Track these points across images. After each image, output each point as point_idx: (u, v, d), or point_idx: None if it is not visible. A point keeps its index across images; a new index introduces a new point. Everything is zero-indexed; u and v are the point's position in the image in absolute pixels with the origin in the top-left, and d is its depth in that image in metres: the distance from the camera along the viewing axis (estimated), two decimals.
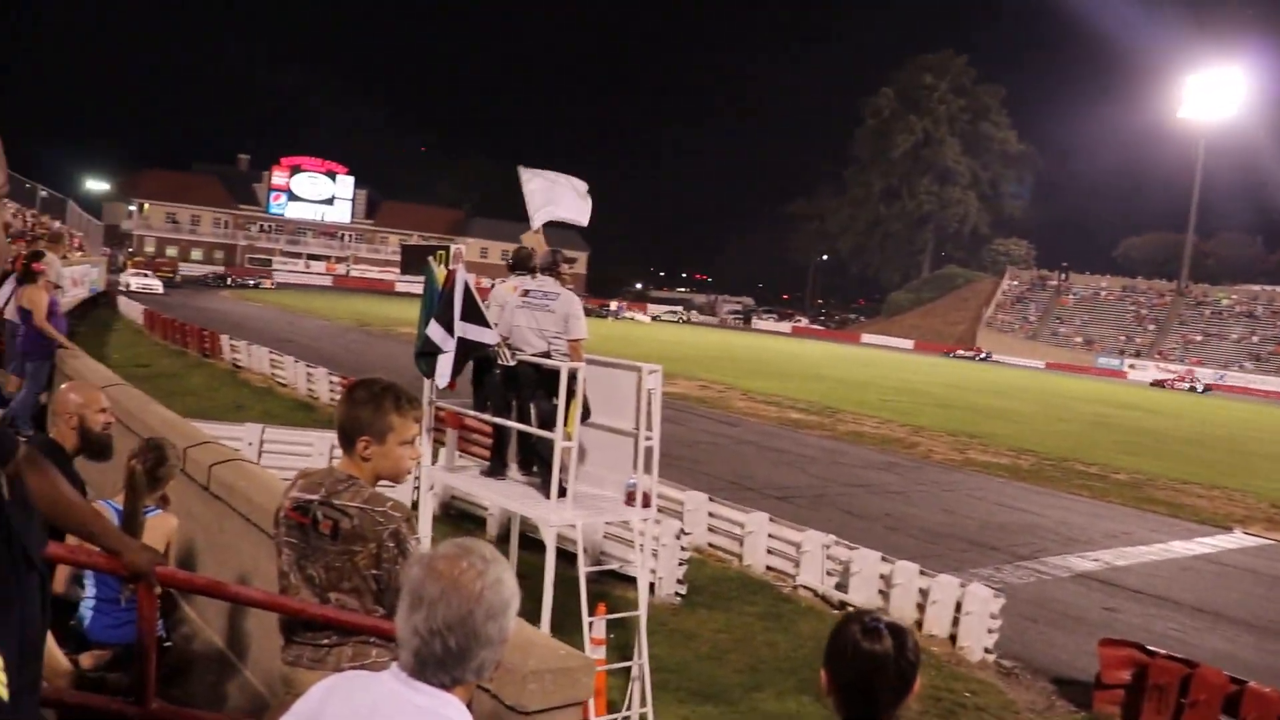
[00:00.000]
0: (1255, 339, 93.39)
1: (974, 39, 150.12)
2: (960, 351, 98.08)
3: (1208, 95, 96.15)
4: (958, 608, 10.63)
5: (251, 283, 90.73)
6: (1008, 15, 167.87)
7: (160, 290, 60.44)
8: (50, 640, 3.25)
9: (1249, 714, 8.19)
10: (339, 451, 3.35)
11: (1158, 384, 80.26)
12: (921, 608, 10.97)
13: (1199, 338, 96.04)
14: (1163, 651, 9.06)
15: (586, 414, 7.35)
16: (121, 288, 53.10)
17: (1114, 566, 15.24)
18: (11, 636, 1.09)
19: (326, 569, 3.18)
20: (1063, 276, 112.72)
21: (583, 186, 8.47)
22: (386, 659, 3.16)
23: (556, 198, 8.31)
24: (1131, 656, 9.14)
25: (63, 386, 4.81)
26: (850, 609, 2.26)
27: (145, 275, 64.17)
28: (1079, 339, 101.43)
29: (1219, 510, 21.29)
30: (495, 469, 8.06)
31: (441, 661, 1.87)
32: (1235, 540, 18.46)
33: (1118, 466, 26.19)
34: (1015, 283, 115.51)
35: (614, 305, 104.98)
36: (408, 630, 1.89)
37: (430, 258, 7.39)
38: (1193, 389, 77.95)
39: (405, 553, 3.14)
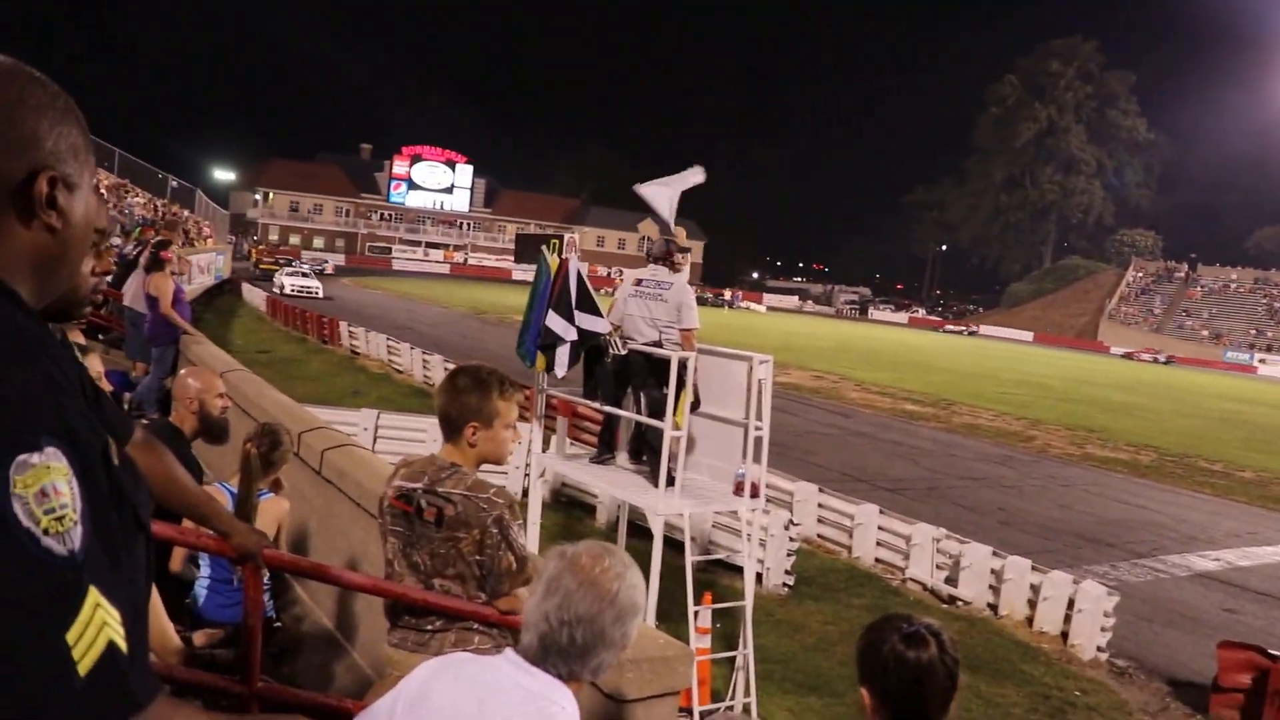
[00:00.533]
0: None
1: (1103, 25, 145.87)
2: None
3: None
4: (1070, 605, 10.40)
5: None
6: (1138, 1, 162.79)
7: (320, 294, 48.57)
8: (164, 617, 3.37)
9: None
10: (446, 457, 3.37)
11: None
12: (1033, 604, 10.76)
13: None
14: None
15: (696, 403, 7.35)
16: (275, 289, 45.51)
17: (1236, 567, 14.75)
18: (123, 592, 1.13)
19: (431, 555, 3.23)
20: (1191, 268, 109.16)
21: (692, 179, 8.37)
22: (489, 645, 3.21)
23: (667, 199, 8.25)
24: (1252, 660, 8.83)
25: (182, 372, 4.95)
26: (890, 615, 2.17)
27: (302, 273, 52.14)
28: (1206, 332, 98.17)
29: None
30: (601, 455, 8.11)
31: (565, 651, 1.91)
32: None
33: (1243, 464, 25.33)
34: (1140, 274, 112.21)
35: (729, 295, 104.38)
36: (538, 615, 1.93)
37: (543, 246, 7.44)
38: None
39: (509, 539, 3.17)
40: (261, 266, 64.70)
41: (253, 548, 3.01)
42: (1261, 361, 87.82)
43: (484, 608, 3.20)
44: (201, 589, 4.36)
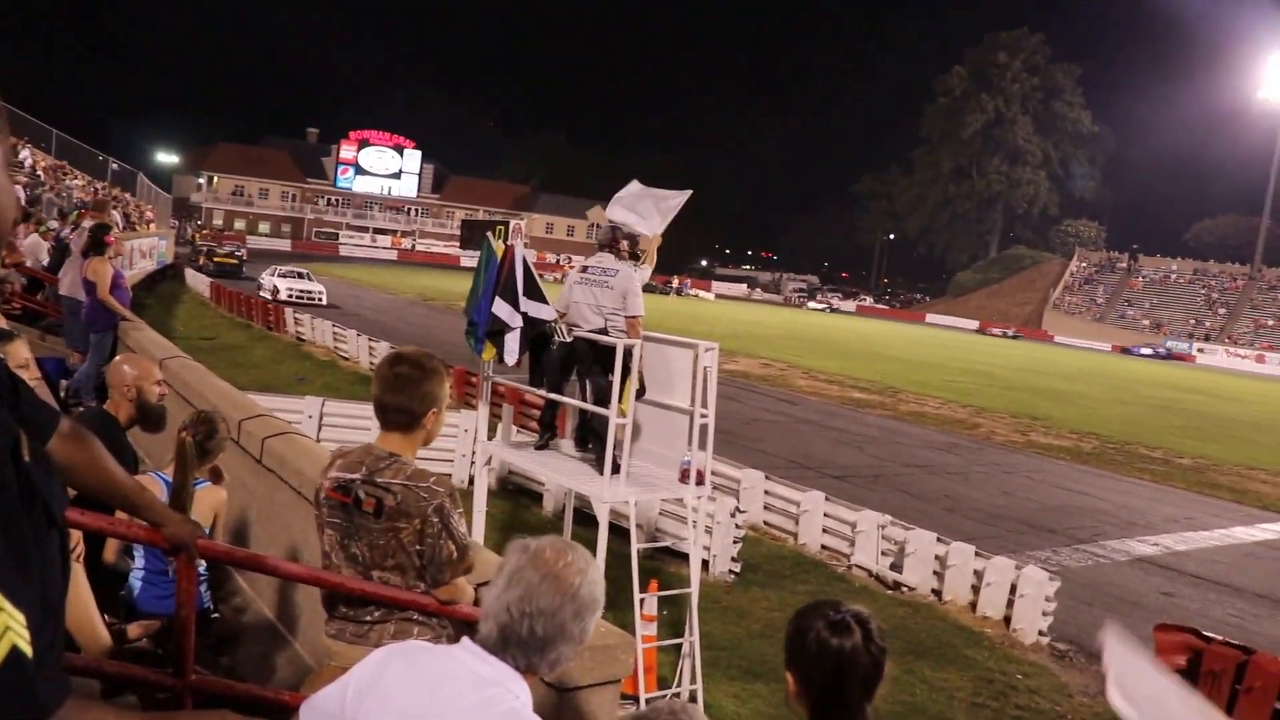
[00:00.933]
0: None
1: (1049, 17, 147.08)
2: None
3: None
4: (1013, 589, 10.53)
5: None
6: None
7: (323, 300, 39.42)
8: (94, 611, 3.29)
9: None
10: (384, 448, 3.32)
11: None
12: (976, 589, 10.89)
13: (1271, 322, 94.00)
14: (1219, 637, 8.91)
15: (642, 391, 7.34)
16: (264, 294, 37.70)
17: (1174, 551, 15.02)
18: (33, 594, 1.09)
19: (370, 547, 3.20)
20: (1133, 259, 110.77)
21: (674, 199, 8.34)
22: (429, 636, 3.18)
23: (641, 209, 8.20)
24: (1187, 642, 8.98)
25: (116, 359, 4.87)
26: (812, 604, 2.17)
27: (298, 274, 42.38)
28: (1147, 322, 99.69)
29: None
30: (543, 440, 8.09)
31: (525, 643, 1.92)
32: None
33: (1182, 451, 25.77)
34: (1084, 264, 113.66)
35: (676, 282, 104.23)
36: (499, 606, 1.94)
37: (489, 233, 7.39)
38: None
39: (449, 528, 3.14)
40: (217, 260, 52.49)
41: (185, 538, 2.95)
42: (1200, 350, 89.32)
43: (423, 597, 3.17)
44: (136, 580, 4.28)
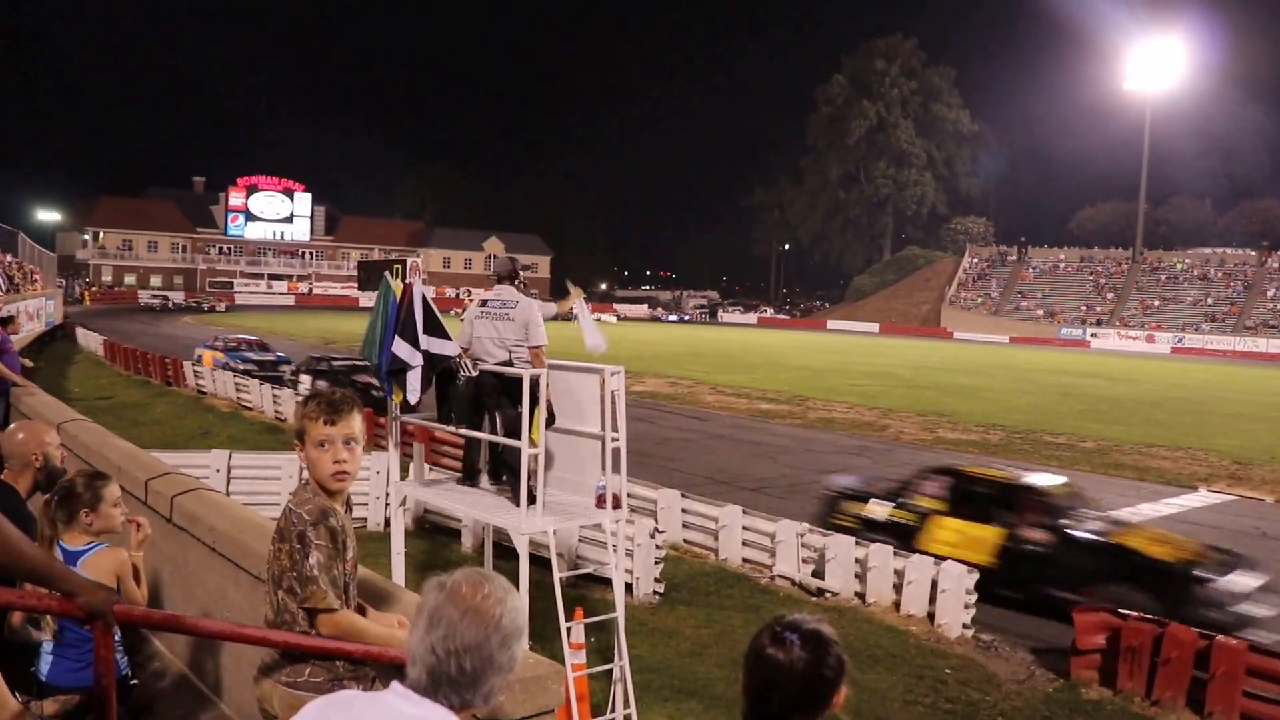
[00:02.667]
0: (1210, 300, 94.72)
1: (921, 22, 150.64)
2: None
3: (1151, 65, 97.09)
4: (934, 586, 10.70)
5: (202, 305, 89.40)
6: None
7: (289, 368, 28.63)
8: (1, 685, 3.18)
9: (1218, 667, 8.38)
10: (306, 474, 3.40)
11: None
12: (899, 588, 11.04)
13: (1157, 303, 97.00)
14: (1134, 614, 9.17)
15: (551, 419, 7.34)
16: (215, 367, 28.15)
17: None
18: None
19: (272, 567, 3.31)
20: (1022, 251, 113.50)
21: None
22: (322, 677, 3.20)
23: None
24: (1105, 621, 9.26)
25: (11, 428, 4.73)
26: (774, 618, 2.22)
27: (259, 349, 30.80)
28: (1041, 312, 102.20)
29: (1184, 471, 21.57)
30: (468, 478, 8.04)
31: (455, 681, 1.91)
32: (1200, 499, 18.72)
33: (1084, 434, 26.42)
34: (975, 260, 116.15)
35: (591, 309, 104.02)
36: (423, 648, 1.92)
37: (386, 272, 7.35)
38: None
39: (307, 554, 3.16)
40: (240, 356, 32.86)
41: (100, 605, 2.88)
42: (1093, 335, 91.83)
43: (305, 638, 3.19)
44: (46, 654, 4.12)
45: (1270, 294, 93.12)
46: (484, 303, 7.76)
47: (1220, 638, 8.52)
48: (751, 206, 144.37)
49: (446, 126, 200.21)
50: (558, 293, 8.80)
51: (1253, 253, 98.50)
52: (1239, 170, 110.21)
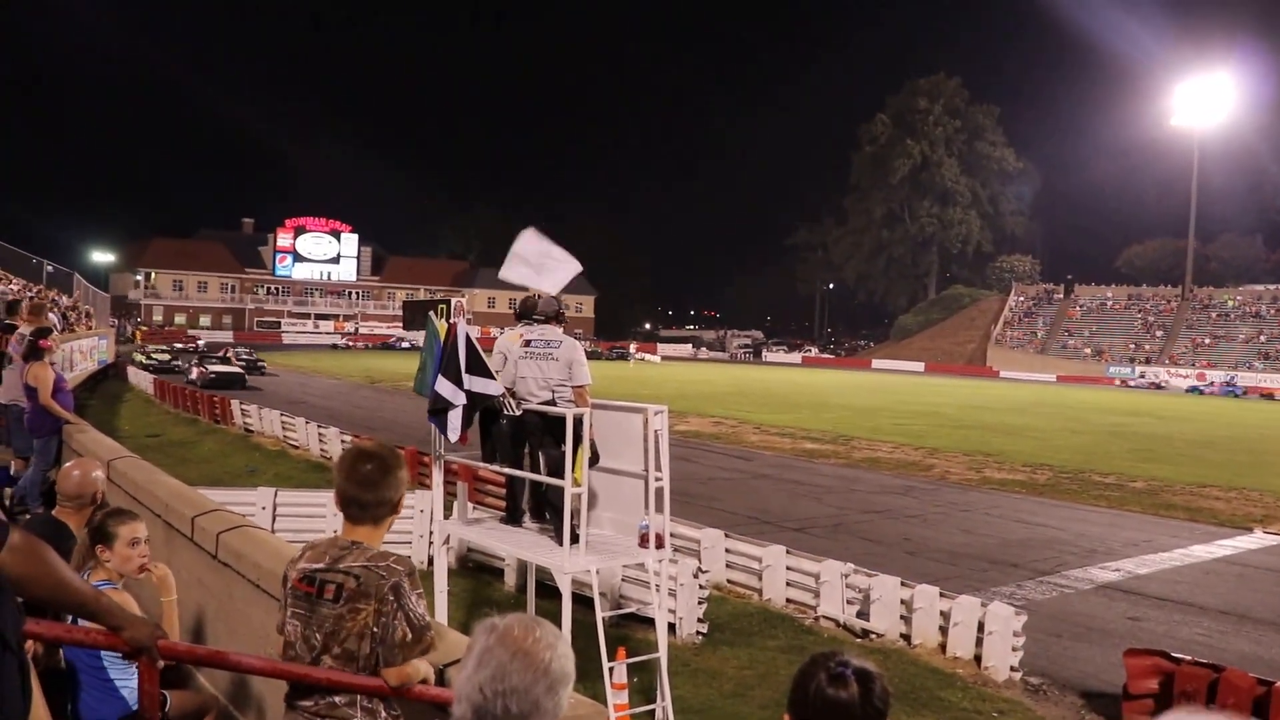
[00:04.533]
0: (1263, 338, 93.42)
1: (965, 60, 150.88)
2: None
3: (1199, 101, 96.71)
4: (980, 628, 10.54)
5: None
6: (997, 35, 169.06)
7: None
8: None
9: (1278, 714, 8.14)
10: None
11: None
12: (944, 630, 10.89)
13: (1207, 340, 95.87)
14: (1188, 658, 8.98)
15: (595, 459, 7.35)
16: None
17: (1136, 575, 15.13)
18: None
19: (326, 634, 3.18)
20: (1069, 289, 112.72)
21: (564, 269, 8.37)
22: None
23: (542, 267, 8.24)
24: (1157, 665, 9.06)
25: (66, 466, 4.80)
26: (818, 652, 2.21)
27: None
28: (1088, 350, 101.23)
29: (1238, 511, 21.18)
30: (512, 518, 8.06)
31: None
32: (1256, 541, 18.36)
33: (1134, 474, 26.06)
34: (1021, 298, 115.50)
35: (633, 349, 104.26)
36: (470, 687, 1.95)
37: (431, 312, 7.41)
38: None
39: (404, 607, 3.13)
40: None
41: (146, 640, 2.92)
42: (1142, 375, 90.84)
43: (373, 680, 3.15)
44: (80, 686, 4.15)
45: None
46: (528, 342, 7.79)
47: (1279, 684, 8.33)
48: (795, 246, 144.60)
49: (493, 167, 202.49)
50: (601, 332, 8.83)
51: None
52: None
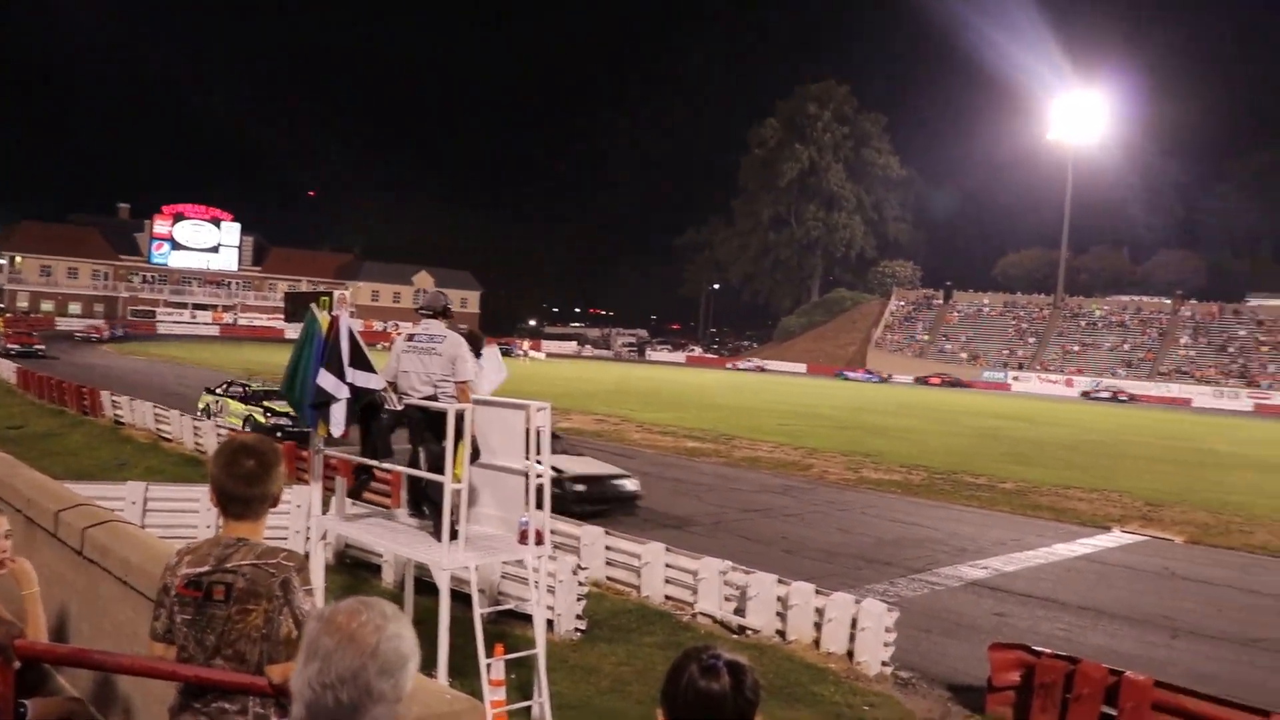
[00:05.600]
0: (1127, 346, 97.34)
1: (854, 68, 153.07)
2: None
3: (1073, 117, 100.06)
4: (854, 624, 10.78)
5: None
6: (885, 45, 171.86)
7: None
8: None
9: (1127, 702, 8.56)
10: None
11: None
12: (819, 626, 11.10)
13: (1076, 348, 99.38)
14: (1048, 651, 9.35)
15: (476, 455, 7.33)
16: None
17: (1003, 573, 15.64)
18: None
19: (218, 636, 3.11)
20: (947, 295, 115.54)
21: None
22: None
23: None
24: (1019, 658, 9.44)
25: None
26: (691, 646, 2.21)
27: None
28: (965, 355, 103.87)
29: (1098, 511, 22.01)
30: (415, 511, 8.05)
31: (334, 716, 1.83)
32: (1113, 539, 19.11)
33: (1004, 476, 26.85)
34: (902, 303, 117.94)
35: (526, 345, 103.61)
36: (301, 683, 1.85)
37: (313, 304, 7.31)
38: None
39: (291, 604, 3.08)
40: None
41: (1, 639, 2.83)
42: (1015, 379, 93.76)
43: (257, 678, 3.10)
44: None
45: (1183, 341, 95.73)
46: (411, 337, 7.74)
47: (1129, 674, 8.71)
48: (683, 246, 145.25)
49: (378, 160, 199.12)
50: (487, 328, 8.83)
51: (1167, 301, 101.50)
52: (1155, 221, 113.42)
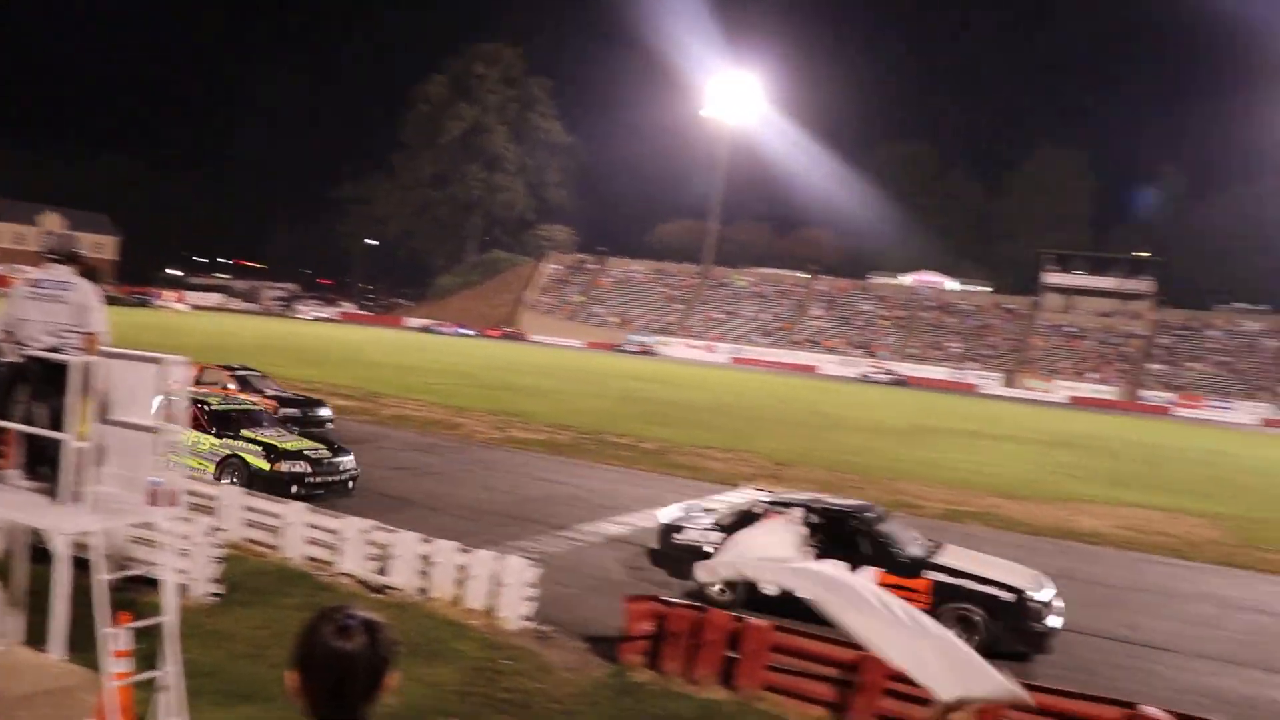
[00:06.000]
0: (766, 316, 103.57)
1: (526, 31, 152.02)
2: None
3: (727, 96, 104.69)
4: (496, 581, 11.02)
5: None
6: (558, 12, 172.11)
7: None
8: None
9: (747, 646, 9.30)
10: None
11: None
12: (461, 583, 11.27)
13: (720, 316, 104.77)
14: (679, 601, 9.98)
15: (104, 411, 6.96)
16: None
17: (641, 529, 16.30)
18: None
19: None
20: (600, 261, 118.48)
21: None
22: None
23: None
24: (653, 609, 10.01)
25: None
26: (324, 607, 2.25)
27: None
28: (614, 319, 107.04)
29: (732, 470, 23.45)
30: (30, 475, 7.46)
31: None
32: (741, 496, 20.34)
33: (647, 436, 28.04)
34: (557, 266, 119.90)
35: (164, 295, 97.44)
36: None
37: None
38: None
39: None
40: None
41: None
42: (662, 344, 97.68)
43: None
44: None
45: (816, 313, 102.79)
46: (36, 283, 7.22)
47: (751, 620, 9.45)
48: (340, 199, 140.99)
49: (9, 96, 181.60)
50: (125, 277, 8.34)
51: (804, 276, 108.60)
52: (798, 199, 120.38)
